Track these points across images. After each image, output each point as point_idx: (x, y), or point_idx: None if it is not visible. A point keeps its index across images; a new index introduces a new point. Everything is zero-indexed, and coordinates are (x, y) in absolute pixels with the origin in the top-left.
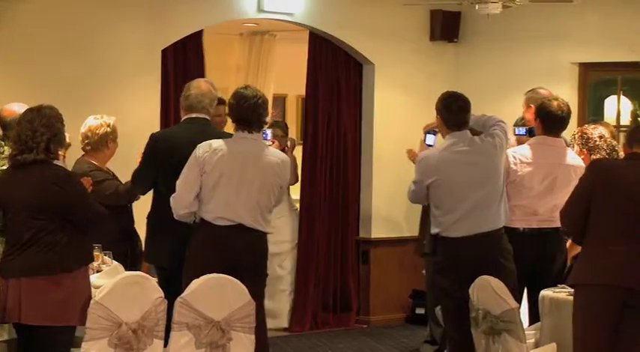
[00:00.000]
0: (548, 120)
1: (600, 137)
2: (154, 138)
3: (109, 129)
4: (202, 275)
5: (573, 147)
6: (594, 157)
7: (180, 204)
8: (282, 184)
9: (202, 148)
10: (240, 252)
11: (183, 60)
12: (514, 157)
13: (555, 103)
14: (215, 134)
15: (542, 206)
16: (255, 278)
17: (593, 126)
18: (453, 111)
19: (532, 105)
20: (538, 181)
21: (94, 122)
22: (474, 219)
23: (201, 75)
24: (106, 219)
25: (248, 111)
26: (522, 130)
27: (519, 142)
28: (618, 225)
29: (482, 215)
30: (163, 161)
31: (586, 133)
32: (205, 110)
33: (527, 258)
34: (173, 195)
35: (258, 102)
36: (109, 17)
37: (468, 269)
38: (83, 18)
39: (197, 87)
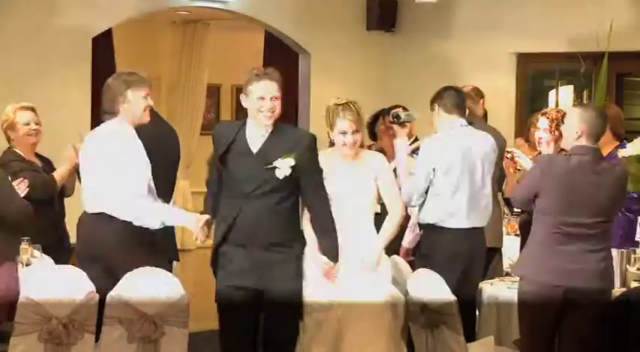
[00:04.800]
0: None
1: None
2: None
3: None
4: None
5: None
6: None
7: None
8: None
9: None
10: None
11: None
12: None
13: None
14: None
15: None
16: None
17: None
18: (452, 95)
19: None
20: None
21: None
22: (472, 211)
23: (112, 67)
24: (29, 213)
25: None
26: None
27: None
28: (565, 224)
29: (477, 207)
30: None
31: None
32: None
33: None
34: None
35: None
36: (38, 3)
37: (464, 264)
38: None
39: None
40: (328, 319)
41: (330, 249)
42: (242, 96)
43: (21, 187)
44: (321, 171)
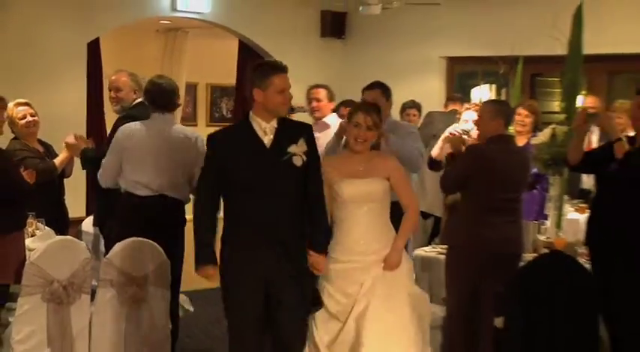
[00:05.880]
0: None
1: None
2: None
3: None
4: (125, 237)
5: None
6: None
7: (108, 179)
8: (190, 157)
9: (122, 130)
10: (159, 219)
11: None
12: None
13: None
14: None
15: None
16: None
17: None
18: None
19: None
20: None
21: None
22: None
23: (100, 70)
24: (29, 192)
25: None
26: None
27: None
28: (493, 202)
29: None
30: None
31: None
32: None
33: None
34: (99, 172)
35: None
36: (38, 9)
37: None
38: (13, 5)
39: None
40: (346, 316)
41: (321, 240)
42: (255, 91)
43: (28, 176)
44: (319, 159)
